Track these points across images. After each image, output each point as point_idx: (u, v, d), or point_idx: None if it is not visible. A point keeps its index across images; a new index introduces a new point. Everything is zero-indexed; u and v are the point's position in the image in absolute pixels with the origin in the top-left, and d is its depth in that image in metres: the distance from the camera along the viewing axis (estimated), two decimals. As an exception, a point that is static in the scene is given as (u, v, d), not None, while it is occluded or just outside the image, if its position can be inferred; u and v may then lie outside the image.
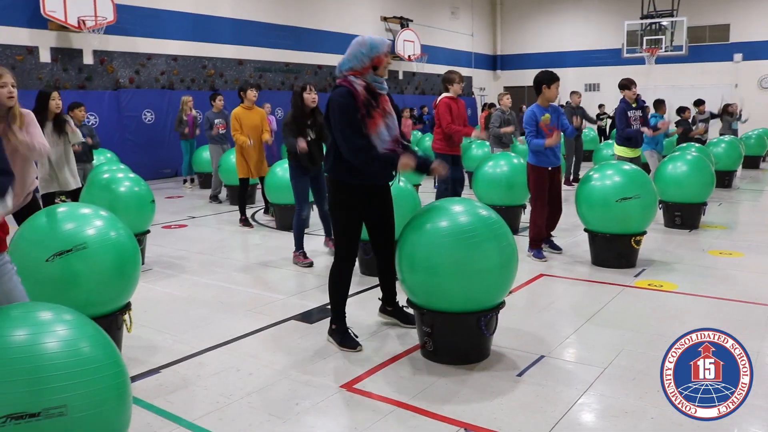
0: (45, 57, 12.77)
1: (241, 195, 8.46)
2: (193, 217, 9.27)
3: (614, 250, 6.03)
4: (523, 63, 26.39)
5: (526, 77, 25.40)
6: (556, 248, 6.57)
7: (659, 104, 10.10)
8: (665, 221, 7.92)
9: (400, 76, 22.20)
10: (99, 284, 3.69)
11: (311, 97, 6.09)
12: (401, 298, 4.36)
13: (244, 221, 8.44)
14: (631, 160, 7.77)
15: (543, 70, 6.34)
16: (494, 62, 27.82)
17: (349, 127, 3.77)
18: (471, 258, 3.64)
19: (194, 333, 4.42)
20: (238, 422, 3.12)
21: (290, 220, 7.81)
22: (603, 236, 6.02)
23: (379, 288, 4.50)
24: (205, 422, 3.11)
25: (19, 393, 1.92)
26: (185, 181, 12.85)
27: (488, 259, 3.69)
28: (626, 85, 8.04)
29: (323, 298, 5.09)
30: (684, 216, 7.85)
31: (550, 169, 6.24)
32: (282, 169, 7.82)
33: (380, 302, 4.51)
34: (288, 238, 7.36)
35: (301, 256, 6.28)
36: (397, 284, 4.19)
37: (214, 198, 10.71)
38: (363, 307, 4.84)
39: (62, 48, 12.98)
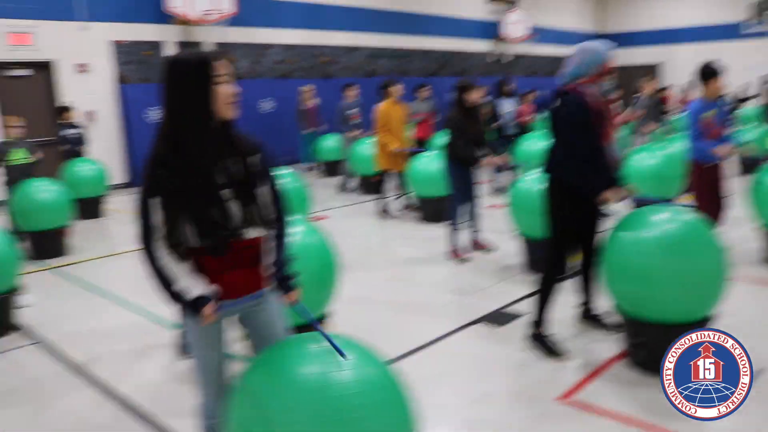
0: (170, 51, 13.17)
1: (380, 186, 8.50)
2: (330, 208, 9.37)
3: (795, 250, 5.68)
4: (633, 41, 25.32)
5: (636, 56, 24.45)
6: None
7: None
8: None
9: (509, 59, 21.75)
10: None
11: (478, 95, 6.01)
12: (598, 305, 4.26)
13: (384, 212, 8.48)
14: None
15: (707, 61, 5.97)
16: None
17: (580, 139, 3.72)
18: (686, 267, 3.49)
19: (383, 337, 4.39)
20: (469, 436, 3.10)
21: (435, 212, 7.81)
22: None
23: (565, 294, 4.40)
24: (436, 435, 3.10)
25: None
26: (309, 170, 13.03)
27: (703, 268, 3.53)
28: None
29: (500, 299, 5.04)
30: None
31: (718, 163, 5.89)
32: (427, 161, 7.79)
33: (582, 308, 4.39)
34: (435, 231, 7.35)
35: (458, 252, 6.23)
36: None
37: (345, 188, 10.80)
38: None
39: (185, 42, 13.35)
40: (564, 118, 3.79)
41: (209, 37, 13.52)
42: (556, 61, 23.65)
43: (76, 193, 8.27)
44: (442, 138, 10.29)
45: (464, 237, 6.43)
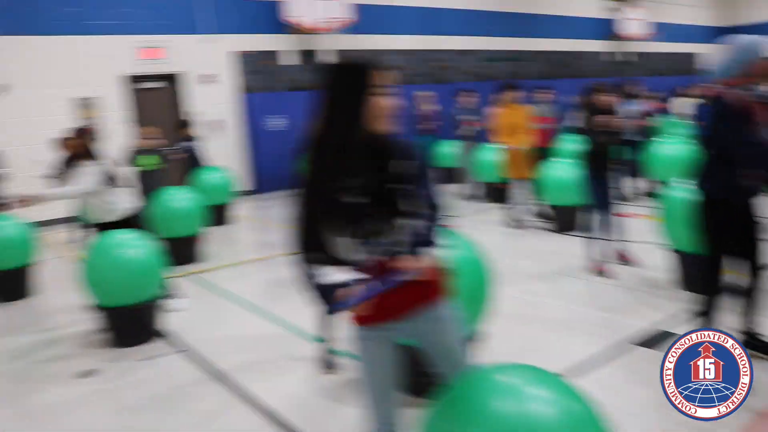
0: (286, 60, 13.39)
1: (508, 194, 8.28)
2: (453, 217, 9.18)
3: None
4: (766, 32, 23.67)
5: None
6: None
7: None
8: None
9: (631, 58, 20.86)
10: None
11: (604, 100, 5.72)
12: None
13: (514, 222, 8.26)
14: None
15: None
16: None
17: (739, 143, 3.38)
18: None
19: (531, 356, 4.22)
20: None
21: (570, 222, 7.49)
22: None
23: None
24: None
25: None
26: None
27: None
28: None
29: (649, 317, 4.75)
30: None
31: None
32: (560, 169, 7.50)
33: (747, 333, 3.99)
34: (570, 242, 7.05)
35: (598, 265, 5.90)
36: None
37: (469, 196, 10.62)
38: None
39: (303, 50, 13.55)
40: (706, 128, 3.52)
41: (326, 45, 13.69)
42: (675, 59, 22.52)
43: (204, 201, 8.52)
44: (567, 143, 9.94)
45: (605, 248, 6.07)
